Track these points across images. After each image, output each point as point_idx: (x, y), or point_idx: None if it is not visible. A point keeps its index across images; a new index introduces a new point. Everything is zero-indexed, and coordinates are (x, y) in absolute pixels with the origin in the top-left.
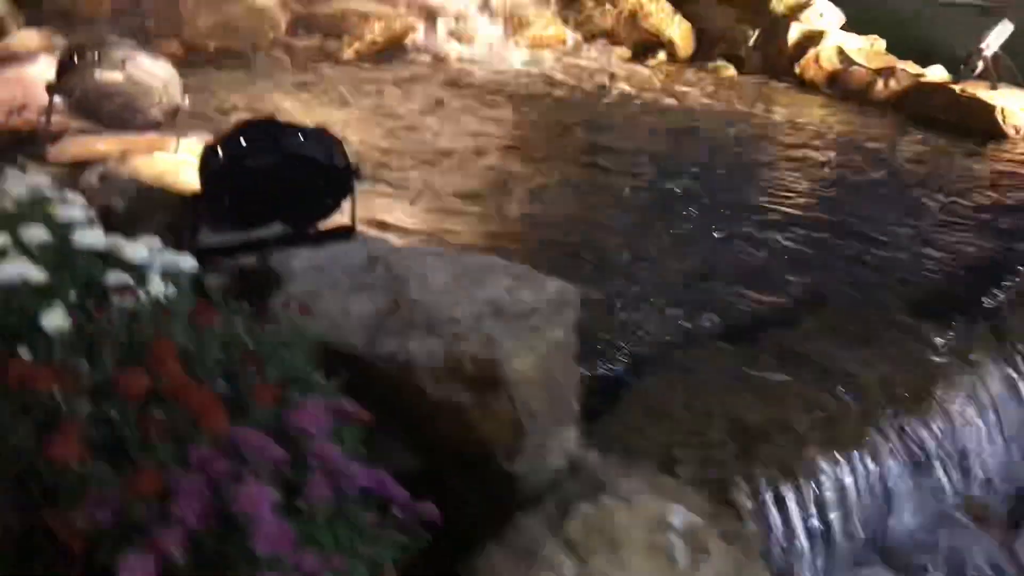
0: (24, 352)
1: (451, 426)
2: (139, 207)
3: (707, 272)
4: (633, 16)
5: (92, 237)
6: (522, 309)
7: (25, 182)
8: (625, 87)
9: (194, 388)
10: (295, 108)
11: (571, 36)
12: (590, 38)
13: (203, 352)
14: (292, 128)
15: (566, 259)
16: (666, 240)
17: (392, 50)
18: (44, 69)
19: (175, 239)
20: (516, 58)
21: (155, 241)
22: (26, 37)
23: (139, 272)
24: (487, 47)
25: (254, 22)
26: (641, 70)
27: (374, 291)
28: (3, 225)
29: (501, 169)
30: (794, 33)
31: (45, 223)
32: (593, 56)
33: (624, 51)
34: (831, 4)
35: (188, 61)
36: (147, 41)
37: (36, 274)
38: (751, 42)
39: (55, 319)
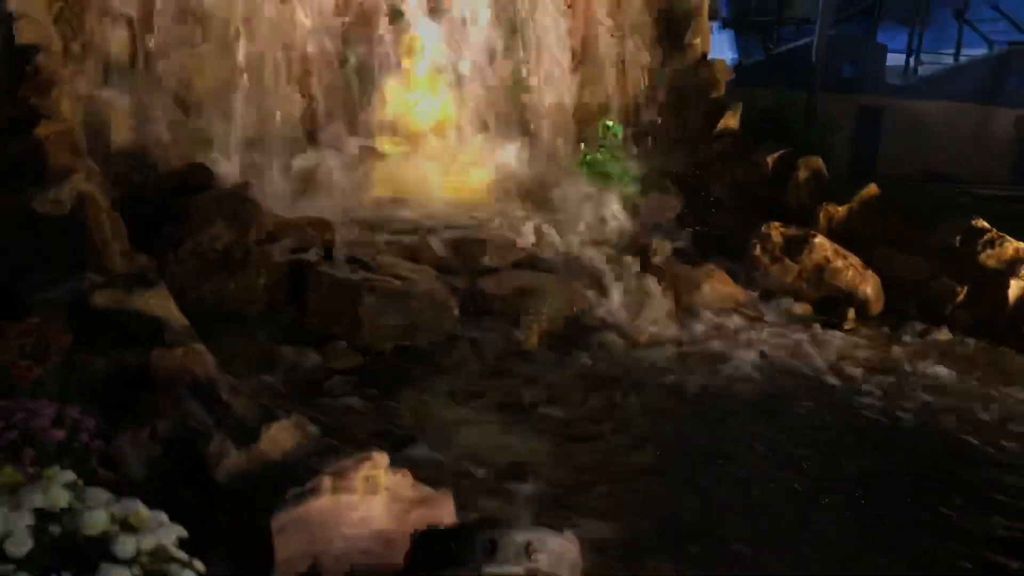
0: None
1: None
2: None
3: None
4: (819, 271)
5: None
6: None
7: None
8: (851, 369)
9: None
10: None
11: (746, 294)
12: (766, 296)
13: None
14: None
15: None
16: None
17: (574, 330)
18: None
19: None
20: (697, 329)
21: None
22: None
23: None
24: (667, 317)
25: (432, 315)
26: (852, 345)
27: None
28: None
29: None
30: (1014, 291)
31: None
32: (798, 330)
33: (804, 308)
34: None
35: (366, 368)
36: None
37: None
38: (958, 299)
39: None
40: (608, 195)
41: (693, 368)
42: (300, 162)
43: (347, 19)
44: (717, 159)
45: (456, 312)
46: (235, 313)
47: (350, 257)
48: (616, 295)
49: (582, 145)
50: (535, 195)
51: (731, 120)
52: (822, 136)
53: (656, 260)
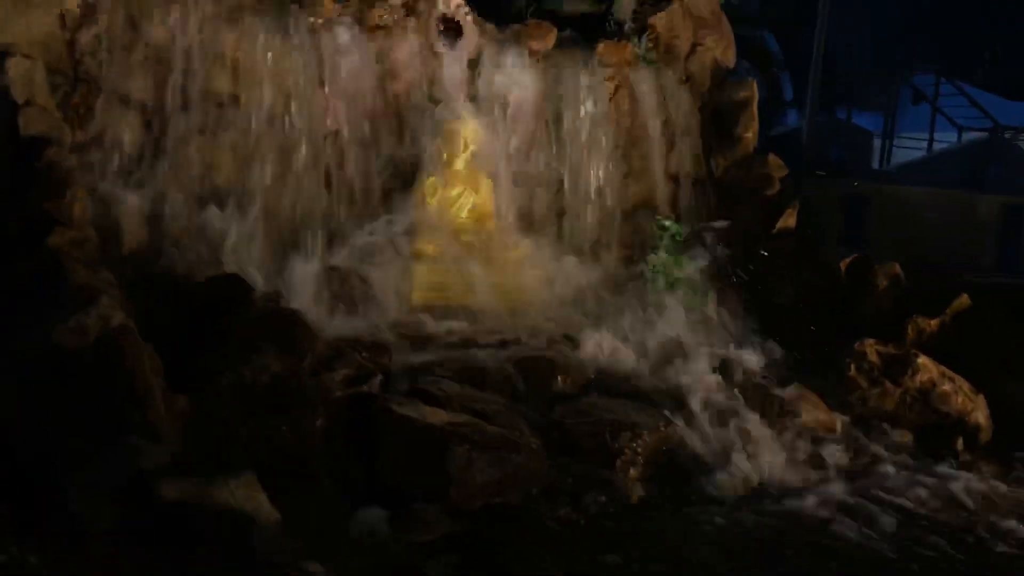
0: None
1: None
2: None
3: None
4: (924, 396)
5: None
6: None
7: None
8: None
9: None
10: None
11: (840, 420)
12: (859, 421)
13: None
14: None
15: None
16: None
17: (675, 471)
18: None
19: None
20: (808, 468)
21: None
22: None
23: None
24: (769, 453)
25: (524, 462)
26: (990, 489)
27: None
28: None
29: None
30: None
31: None
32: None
33: (905, 435)
34: None
35: (460, 539)
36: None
37: None
38: None
39: None
40: (671, 302)
41: (829, 525)
42: (330, 265)
43: (381, 107)
44: (779, 261)
45: (545, 458)
46: (287, 462)
47: (414, 388)
48: (708, 425)
49: (636, 247)
50: (590, 300)
51: (790, 219)
52: (809, 220)
53: (739, 380)
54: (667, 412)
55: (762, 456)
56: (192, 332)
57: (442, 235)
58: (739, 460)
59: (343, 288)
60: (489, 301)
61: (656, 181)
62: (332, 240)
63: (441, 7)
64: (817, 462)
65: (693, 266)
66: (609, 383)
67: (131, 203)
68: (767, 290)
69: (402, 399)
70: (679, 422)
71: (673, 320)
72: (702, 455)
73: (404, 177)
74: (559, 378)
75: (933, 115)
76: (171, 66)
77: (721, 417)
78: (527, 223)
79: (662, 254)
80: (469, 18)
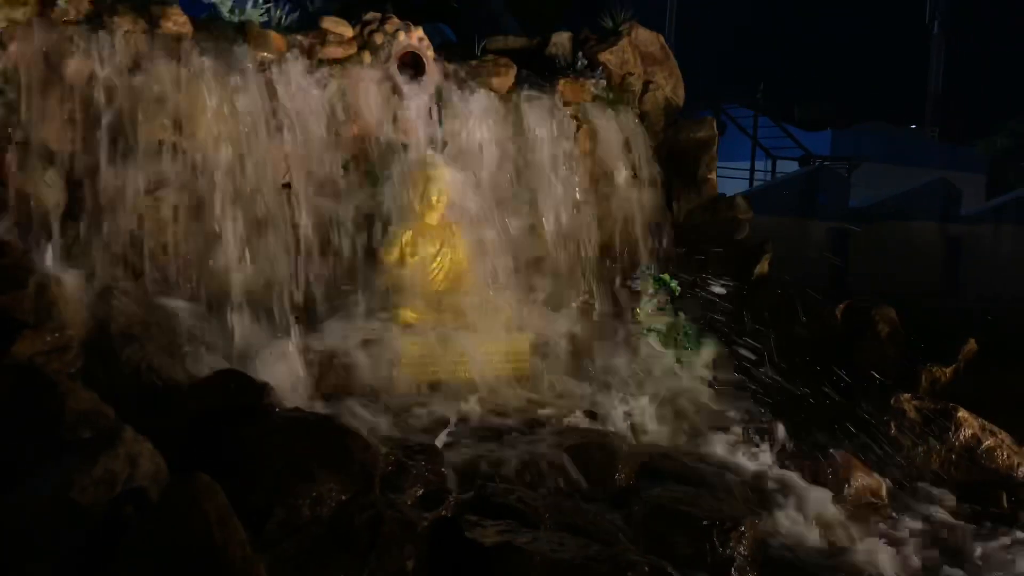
0: None
1: None
2: None
3: None
4: (969, 452)
5: None
6: None
7: None
8: None
9: None
10: None
11: (882, 482)
12: (903, 482)
13: None
14: None
15: None
16: None
17: (779, 568)
18: None
19: None
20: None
21: None
22: None
23: None
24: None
25: None
26: None
27: None
28: None
29: None
30: None
31: None
32: None
33: (948, 496)
34: None
35: None
36: None
37: None
38: None
39: None
40: (667, 360)
41: None
42: (304, 343)
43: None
44: (764, 311)
45: None
46: None
47: (491, 501)
48: (782, 506)
49: (609, 297)
50: (588, 363)
51: (765, 265)
52: None
53: (778, 447)
54: (740, 497)
55: (836, 531)
56: (198, 452)
57: (423, 300)
58: (825, 538)
59: (322, 370)
60: (485, 373)
61: (619, 226)
62: (303, 313)
63: (403, 40)
64: (892, 538)
65: (681, 320)
66: (657, 466)
67: (68, 283)
68: (763, 344)
69: (491, 522)
70: (762, 509)
71: (677, 382)
72: (793, 543)
73: (375, 235)
74: (619, 467)
75: (753, 147)
76: (97, 109)
77: (785, 492)
78: (503, 278)
79: (653, 308)
80: (430, 53)
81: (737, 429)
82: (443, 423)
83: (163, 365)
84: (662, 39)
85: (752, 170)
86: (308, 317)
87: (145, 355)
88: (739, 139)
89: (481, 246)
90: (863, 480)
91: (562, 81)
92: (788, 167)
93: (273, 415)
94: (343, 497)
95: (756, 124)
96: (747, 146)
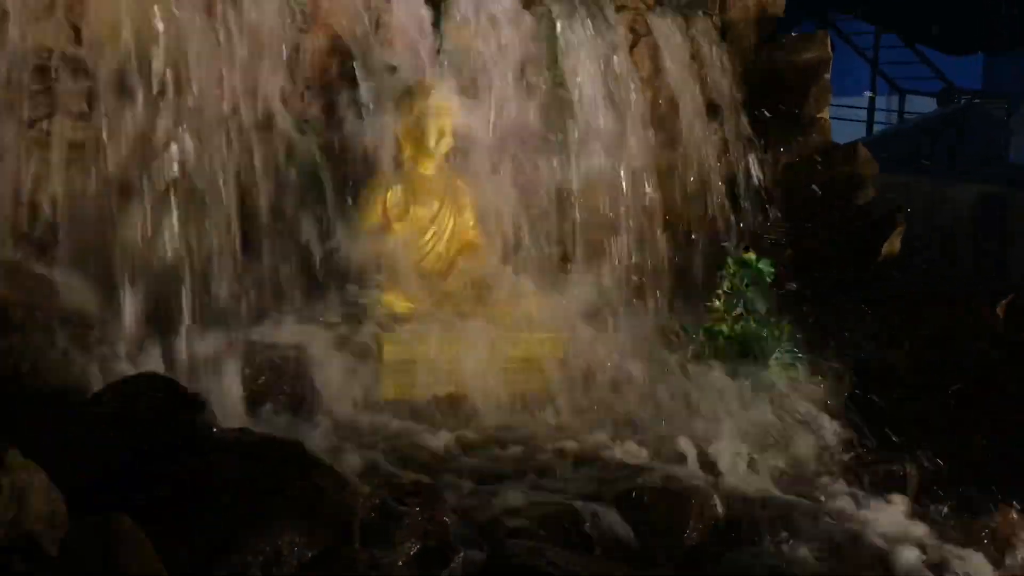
0: None
1: None
2: None
3: None
4: None
5: None
6: None
7: None
8: None
9: None
10: None
11: None
12: None
13: None
14: None
15: None
16: None
17: None
18: None
19: None
20: None
21: None
22: None
23: None
24: None
25: None
26: None
27: None
28: None
29: None
30: None
31: None
32: None
33: None
34: None
35: None
36: None
37: None
38: None
39: None
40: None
41: None
42: (245, 337)
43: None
44: (893, 309)
45: None
46: None
47: (519, 565)
48: None
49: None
50: (642, 376)
51: (896, 243)
52: None
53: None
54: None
55: None
56: (110, 487)
57: (415, 283)
58: None
59: (269, 376)
60: (495, 384)
61: (689, 183)
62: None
63: None
64: None
65: (773, 320)
66: (746, 522)
67: None
68: (890, 355)
69: None
70: None
71: (769, 406)
72: None
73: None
74: (690, 520)
75: (874, 76)
76: None
77: (927, 560)
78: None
79: (734, 300)
80: None
81: (856, 472)
82: (443, 453)
83: (55, 365)
84: None
85: (871, 109)
86: (249, 304)
87: (28, 350)
88: (854, 65)
89: (496, 208)
90: None
91: None
92: (922, 105)
93: (212, 437)
94: (309, 554)
95: (877, 44)
96: (865, 75)
